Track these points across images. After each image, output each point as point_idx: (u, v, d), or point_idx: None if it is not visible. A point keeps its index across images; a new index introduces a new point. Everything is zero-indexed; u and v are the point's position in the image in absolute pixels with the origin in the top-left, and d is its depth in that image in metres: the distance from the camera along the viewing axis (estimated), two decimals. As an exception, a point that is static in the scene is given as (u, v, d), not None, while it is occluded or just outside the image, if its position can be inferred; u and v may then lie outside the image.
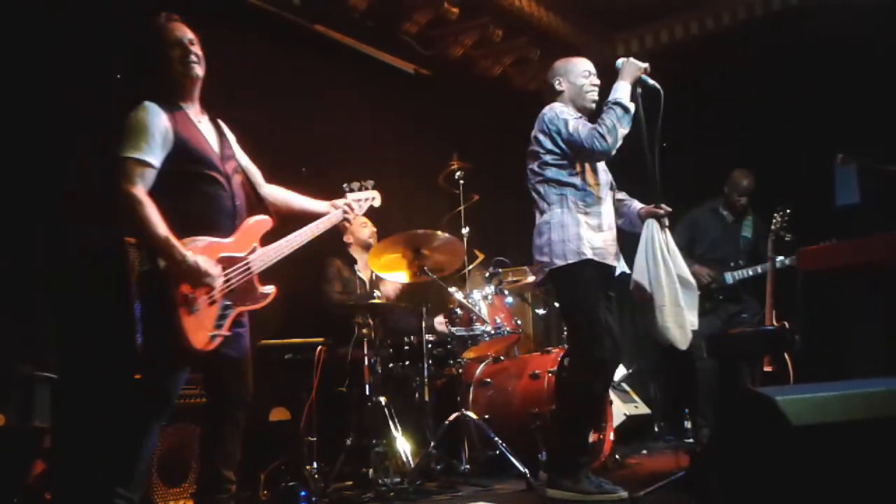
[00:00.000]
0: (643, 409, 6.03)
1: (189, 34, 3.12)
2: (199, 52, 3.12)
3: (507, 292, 5.20)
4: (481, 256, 5.55)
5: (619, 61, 3.88)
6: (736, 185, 5.73)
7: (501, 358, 5.35)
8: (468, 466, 4.50)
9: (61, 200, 4.23)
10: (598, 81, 3.97)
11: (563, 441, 3.75)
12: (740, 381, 5.34)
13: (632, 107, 3.69)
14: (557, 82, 4.01)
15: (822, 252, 3.88)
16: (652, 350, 6.77)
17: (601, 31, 7.34)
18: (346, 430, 4.44)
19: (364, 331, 4.50)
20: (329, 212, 3.52)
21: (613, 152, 3.71)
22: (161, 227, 2.86)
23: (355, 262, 5.28)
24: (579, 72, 3.99)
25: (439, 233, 4.60)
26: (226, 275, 3.00)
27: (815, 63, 6.31)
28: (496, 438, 4.43)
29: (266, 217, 3.27)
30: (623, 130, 3.67)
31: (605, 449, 4.85)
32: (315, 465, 4.26)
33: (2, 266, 3.96)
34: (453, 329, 4.82)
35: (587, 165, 3.86)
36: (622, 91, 3.73)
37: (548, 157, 3.84)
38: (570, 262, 3.71)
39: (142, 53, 3.17)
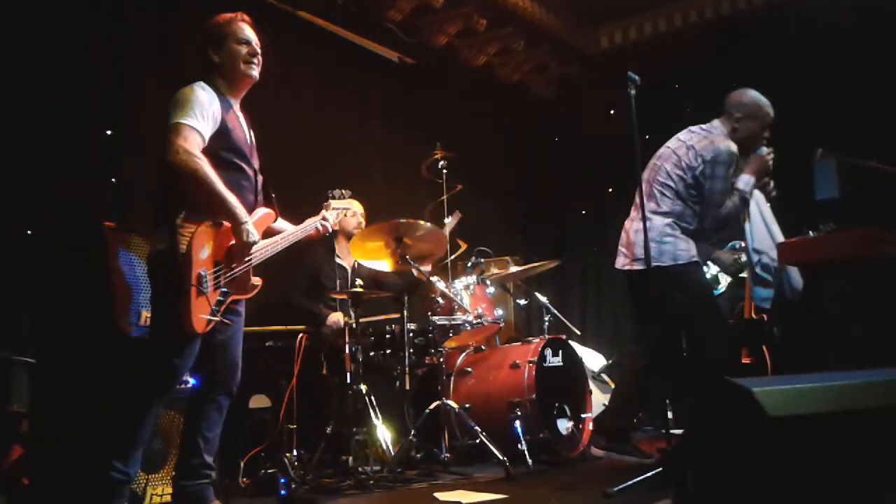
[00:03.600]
0: (622, 400, 6.07)
1: (256, 37, 3.28)
2: (261, 57, 3.28)
3: (488, 282, 5.20)
4: (464, 246, 5.56)
5: (761, 150, 4.15)
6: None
7: (482, 347, 5.37)
8: (448, 455, 4.51)
9: (39, 185, 4.19)
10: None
11: None
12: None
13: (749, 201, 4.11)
14: (740, 119, 4.17)
15: (800, 245, 3.92)
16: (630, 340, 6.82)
17: (586, 22, 7.35)
18: (327, 417, 4.44)
19: (345, 319, 4.50)
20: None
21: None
22: (224, 186, 2.94)
23: (335, 250, 5.25)
24: (760, 118, 4.18)
25: (422, 222, 4.60)
26: (234, 263, 3.07)
27: (796, 57, 6.35)
28: (476, 427, 4.45)
29: (271, 211, 3.35)
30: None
31: (583, 439, 4.88)
32: (295, 452, 4.26)
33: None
34: (435, 318, 4.82)
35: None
36: (747, 183, 4.11)
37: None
38: None
39: (207, 42, 3.24)
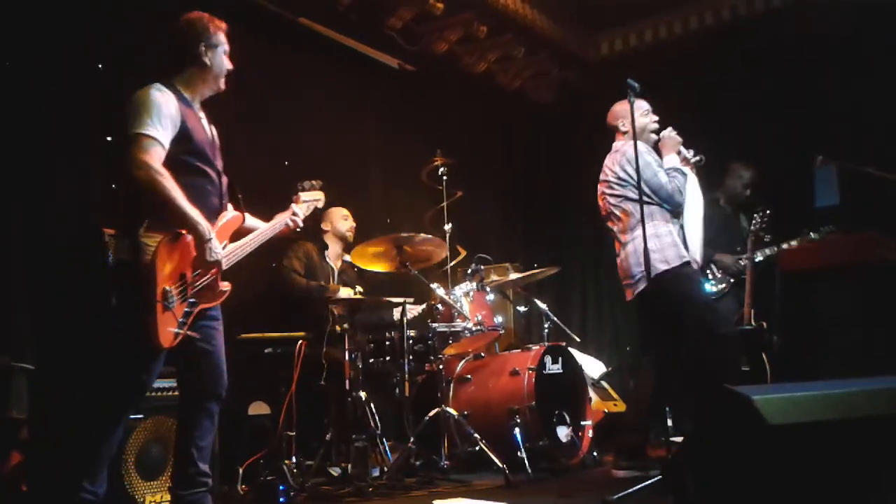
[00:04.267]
0: (622, 407, 6.07)
1: (227, 44, 3.23)
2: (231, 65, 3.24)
3: (488, 289, 5.20)
4: (464, 253, 5.55)
5: (663, 133, 4.38)
6: (741, 177, 5.71)
7: (482, 354, 5.36)
8: (447, 462, 4.50)
9: (38, 191, 4.19)
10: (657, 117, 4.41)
11: None
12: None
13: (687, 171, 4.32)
14: (622, 128, 4.41)
15: (800, 251, 3.92)
16: (631, 347, 6.82)
17: (586, 29, 7.36)
18: (326, 424, 4.43)
19: (344, 325, 4.50)
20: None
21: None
22: (187, 201, 2.89)
23: (326, 248, 5.26)
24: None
25: (423, 235, 4.62)
26: (198, 276, 3.01)
27: (795, 63, 6.35)
28: (476, 434, 4.44)
29: (238, 213, 3.28)
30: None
31: (583, 446, 4.87)
32: (294, 459, 4.25)
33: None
34: (434, 325, 4.82)
35: None
36: (673, 161, 4.32)
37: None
38: None
39: (201, 39, 3.16)
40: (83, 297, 3.86)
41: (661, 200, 4.21)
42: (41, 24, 4.25)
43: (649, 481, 3.51)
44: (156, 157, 2.88)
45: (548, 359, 4.92)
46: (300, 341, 4.51)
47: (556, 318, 5.64)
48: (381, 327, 4.94)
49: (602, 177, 4.41)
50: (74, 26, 4.43)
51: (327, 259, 5.24)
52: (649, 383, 4.49)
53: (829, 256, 3.85)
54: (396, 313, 5.01)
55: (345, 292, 4.93)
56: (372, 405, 4.40)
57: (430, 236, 4.65)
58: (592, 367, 6.26)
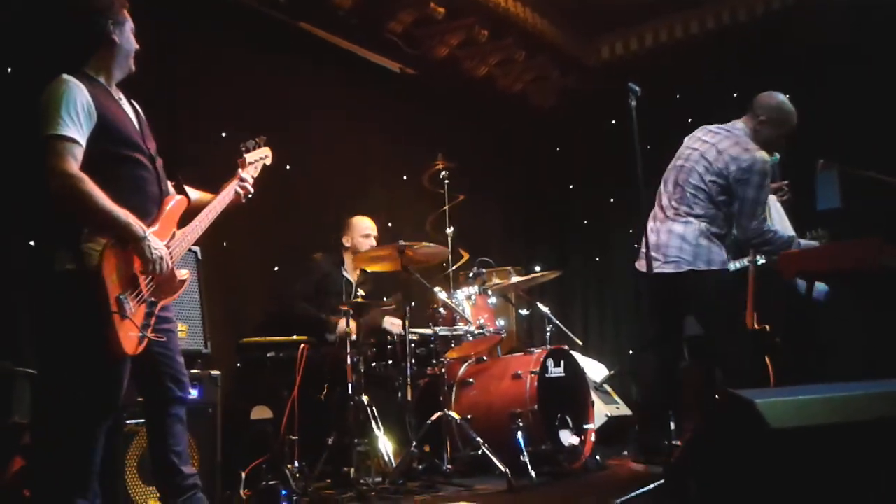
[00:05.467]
0: (625, 411, 6.06)
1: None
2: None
3: (490, 292, 5.20)
4: (466, 256, 5.56)
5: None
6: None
7: (484, 358, 5.36)
8: (450, 466, 4.50)
9: (40, 196, 4.19)
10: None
11: None
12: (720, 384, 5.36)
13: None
14: (764, 122, 4.16)
15: (801, 257, 3.91)
16: (634, 351, 6.82)
17: (587, 33, 7.36)
18: (328, 429, 4.43)
19: (346, 330, 4.50)
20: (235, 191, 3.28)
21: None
22: (109, 200, 2.70)
23: (342, 262, 5.27)
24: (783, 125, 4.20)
25: (426, 243, 4.63)
26: (149, 276, 2.83)
27: (797, 67, 6.35)
28: (478, 438, 4.44)
29: (181, 197, 3.08)
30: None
31: (585, 450, 4.87)
32: (296, 463, 4.25)
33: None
34: (436, 329, 4.82)
35: None
36: None
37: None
38: None
39: (107, 17, 2.94)
40: (41, 308, 3.72)
41: (732, 223, 4.06)
42: (42, 29, 4.26)
43: (652, 485, 3.50)
44: (72, 160, 2.70)
45: (550, 362, 4.92)
46: (302, 346, 4.51)
47: (558, 322, 5.64)
48: (384, 332, 4.95)
49: (701, 149, 4.14)
50: (75, 32, 4.43)
51: (344, 272, 5.22)
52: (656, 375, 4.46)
53: (830, 261, 3.83)
54: (386, 322, 5.04)
55: (342, 326, 4.91)
56: (374, 409, 4.40)
57: (431, 244, 4.67)
58: (595, 370, 6.26)
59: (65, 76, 2.82)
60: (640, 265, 4.15)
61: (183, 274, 3.01)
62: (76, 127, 2.74)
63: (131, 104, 3.07)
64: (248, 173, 3.35)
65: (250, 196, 3.34)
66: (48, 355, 3.05)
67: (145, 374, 2.96)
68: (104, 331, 2.66)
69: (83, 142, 2.76)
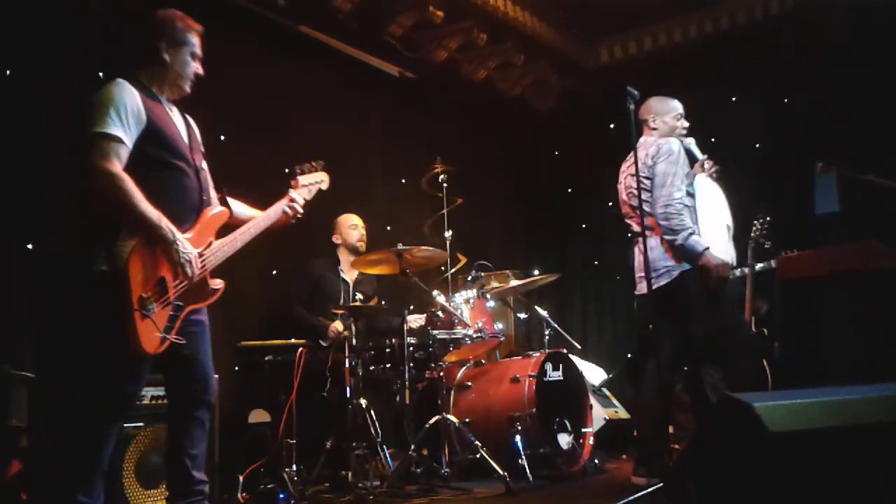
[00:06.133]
0: (623, 414, 6.06)
1: (201, 53, 3.09)
2: (202, 70, 3.10)
3: (489, 296, 5.20)
4: (464, 260, 5.56)
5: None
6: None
7: (483, 362, 5.36)
8: (448, 470, 4.50)
9: (39, 199, 4.20)
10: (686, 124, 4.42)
11: None
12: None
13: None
14: (652, 121, 4.36)
15: (799, 260, 3.92)
16: (632, 354, 6.81)
17: (585, 37, 7.37)
18: (326, 432, 4.43)
19: (345, 333, 4.51)
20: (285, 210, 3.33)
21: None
22: (148, 204, 2.77)
23: (339, 263, 5.28)
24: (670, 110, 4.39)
25: (424, 247, 4.63)
26: (177, 279, 2.88)
27: (795, 71, 6.37)
28: (476, 442, 4.43)
29: (223, 209, 3.14)
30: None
31: (584, 454, 4.87)
32: (294, 467, 4.25)
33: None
34: (435, 332, 4.82)
35: None
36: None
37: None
38: None
39: (163, 37, 3.02)
40: (67, 308, 3.76)
41: (657, 216, 4.12)
42: (43, 30, 4.27)
43: (650, 489, 3.50)
44: (115, 159, 2.77)
45: (548, 366, 4.92)
46: (300, 349, 4.51)
47: (556, 325, 5.64)
48: (389, 333, 4.94)
49: (630, 171, 4.28)
50: (76, 33, 4.44)
51: (341, 273, 5.23)
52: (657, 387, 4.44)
53: (828, 265, 3.84)
54: (410, 320, 5.04)
55: (338, 325, 4.91)
56: (372, 412, 4.40)
57: (429, 248, 4.67)
58: (593, 374, 6.26)
59: (120, 79, 2.90)
60: (640, 289, 4.30)
61: (217, 283, 3.07)
62: (124, 128, 2.82)
63: (184, 118, 3.15)
64: (300, 194, 3.41)
65: (300, 217, 3.39)
66: (72, 353, 3.16)
67: (174, 375, 3.02)
68: (125, 327, 2.71)
69: (129, 143, 2.83)
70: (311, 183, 3.54)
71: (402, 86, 6.66)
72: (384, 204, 6.38)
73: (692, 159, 4.40)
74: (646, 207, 4.15)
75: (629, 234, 4.34)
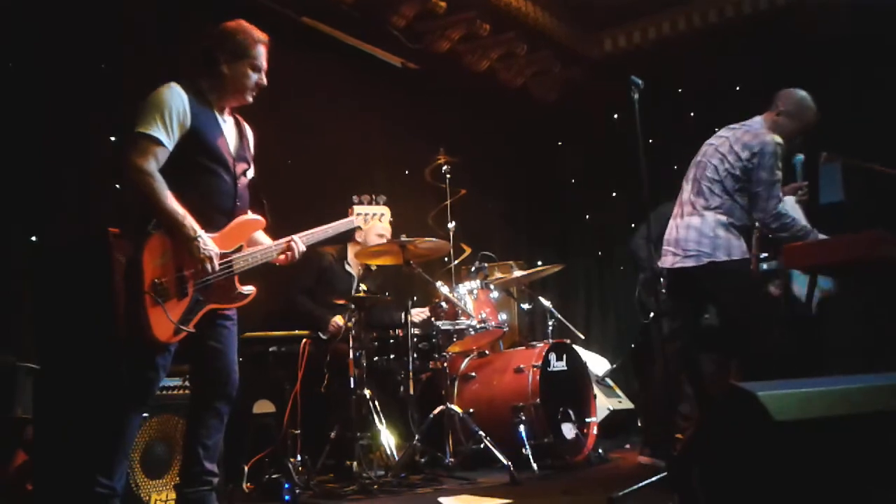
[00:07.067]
0: (627, 404, 6.07)
1: (265, 64, 3.17)
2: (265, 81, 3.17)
3: (492, 287, 5.20)
4: (468, 251, 5.55)
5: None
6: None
7: (486, 352, 5.36)
8: (452, 460, 4.50)
9: (41, 191, 4.20)
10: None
11: None
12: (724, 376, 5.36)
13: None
14: (783, 113, 4.18)
15: (804, 249, 3.91)
16: (636, 345, 6.81)
17: (589, 26, 7.35)
18: (330, 422, 4.44)
19: (349, 326, 4.50)
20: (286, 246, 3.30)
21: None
22: (173, 200, 2.88)
23: (346, 256, 5.26)
24: (800, 118, 4.20)
25: (427, 238, 4.63)
26: (198, 273, 2.97)
27: (799, 60, 6.34)
28: (480, 432, 4.44)
29: (258, 217, 3.24)
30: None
31: (588, 443, 4.87)
32: (299, 457, 4.26)
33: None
34: (438, 323, 4.82)
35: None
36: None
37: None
38: None
39: (223, 49, 3.12)
40: (85, 296, 3.81)
41: (751, 209, 4.09)
42: (43, 28, 4.26)
43: (654, 478, 3.50)
44: (151, 157, 2.88)
45: (552, 356, 4.92)
46: (304, 340, 4.51)
47: (560, 316, 5.64)
48: (392, 327, 4.94)
49: (717, 143, 4.20)
50: (77, 30, 4.43)
51: (347, 267, 5.22)
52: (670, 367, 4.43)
53: (832, 254, 3.82)
54: (414, 314, 5.03)
55: (338, 320, 4.90)
56: (376, 403, 4.40)
57: (432, 239, 4.66)
58: (597, 364, 6.26)
59: (173, 83, 3.01)
60: (664, 261, 4.24)
61: (246, 289, 3.15)
62: (166, 130, 2.93)
63: (239, 127, 3.24)
64: (299, 244, 3.34)
65: (294, 261, 3.35)
66: (89, 340, 3.29)
67: (200, 366, 3.12)
68: (135, 310, 2.81)
69: (169, 145, 2.94)
70: (368, 214, 3.70)
71: (404, 77, 6.65)
72: (387, 195, 6.35)
73: (789, 173, 4.29)
74: (706, 185, 4.10)
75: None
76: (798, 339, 4.63)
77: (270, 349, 4.57)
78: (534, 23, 6.71)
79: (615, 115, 6.93)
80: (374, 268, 5.25)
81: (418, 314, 5.10)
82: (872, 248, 3.60)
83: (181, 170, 2.95)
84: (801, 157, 4.34)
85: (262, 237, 3.31)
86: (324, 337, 4.80)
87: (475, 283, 5.09)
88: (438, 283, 4.92)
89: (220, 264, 3.01)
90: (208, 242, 2.96)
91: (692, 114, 7.03)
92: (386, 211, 3.77)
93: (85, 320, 3.74)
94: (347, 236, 5.31)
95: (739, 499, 2.23)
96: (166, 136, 2.92)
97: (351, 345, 4.40)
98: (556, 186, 8.02)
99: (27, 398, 3.61)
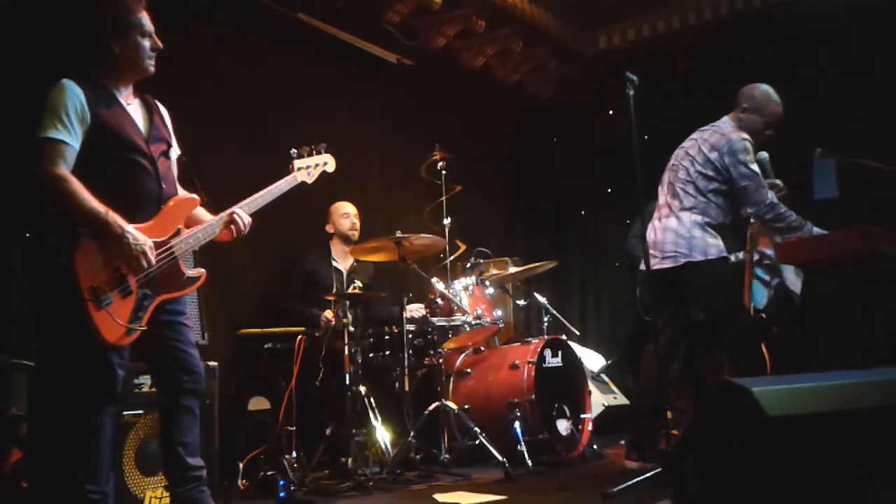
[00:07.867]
0: (622, 400, 6.08)
1: (152, 26, 3.02)
2: (159, 43, 3.04)
3: (487, 283, 5.21)
4: (463, 247, 5.56)
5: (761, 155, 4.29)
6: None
7: (482, 348, 5.37)
8: (447, 456, 4.51)
9: (38, 187, 4.18)
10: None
11: None
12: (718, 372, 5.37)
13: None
14: (746, 109, 4.23)
15: (796, 245, 3.92)
16: (630, 341, 6.82)
17: (584, 23, 7.35)
18: (326, 419, 4.44)
19: (344, 322, 4.50)
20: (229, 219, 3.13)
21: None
22: (94, 200, 2.78)
23: (329, 253, 5.26)
24: (765, 113, 4.24)
25: (423, 235, 4.62)
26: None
27: (794, 57, 6.35)
28: (475, 428, 4.45)
29: (192, 196, 3.11)
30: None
31: (583, 440, 4.88)
32: (294, 454, 4.26)
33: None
34: (434, 319, 4.83)
35: None
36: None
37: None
38: None
39: (107, 30, 2.96)
40: (40, 299, 3.73)
41: (738, 207, 4.16)
42: (41, 27, 4.24)
43: (648, 474, 3.51)
44: (60, 160, 2.79)
45: (547, 352, 4.93)
46: (300, 336, 4.51)
47: (555, 312, 5.65)
48: (387, 322, 4.94)
49: (688, 146, 4.25)
50: (75, 29, 4.40)
51: (333, 263, 5.21)
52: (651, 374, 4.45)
53: (826, 249, 3.84)
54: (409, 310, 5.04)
55: (328, 314, 4.90)
56: (372, 399, 4.40)
57: (428, 235, 4.67)
58: (592, 360, 6.27)
59: (63, 80, 2.90)
60: (643, 265, 4.23)
61: (193, 271, 3.04)
62: (68, 130, 2.83)
63: (148, 107, 3.11)
64: (242, 216, 3.17)
65: (242, 234, 3.18)
66: (44, 346, 3.10)
67: (158, 365, 3.04)
68: (80, 318, 2.72)
69: (75, 143, 2.84)
70: (310, 166, 3.53)
71: (400, 73, 6.64)
72: (382, 192, 6.37)
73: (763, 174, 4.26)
74: (680, 187, 4.16)
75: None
76: (793, 334, 4.65)
77: (266, 346, 4.58)
78: (529, 19, 6.71)
79: (610, 112, 6.92)
80: (355, 263, 5.26)
81: (416, 310, 5.11)
82: (866, 243, 3.61)
83: (94, 165, 2.85)
84: (765, 154, 4.35)
85: (204, 215, 3.17)
86: (317, 334, 4.81)
87: (470, 280, 5.09)
88: (434, 280, 4.92)
89: (158, 253, 2.91)
90: (138, 236, 2.84)
91: (687, 110, 7.03)
92: (330, 160, 3.60)
93: (49, 321, 3.68)
94: (327, 236, 5.33)
95: (733, 494, 2.23)
96: (69, 135, 2.82)
97: (346, 341, 4.40)
98: (551, 183, 8.02)
99: (22, 395, 3.60)
